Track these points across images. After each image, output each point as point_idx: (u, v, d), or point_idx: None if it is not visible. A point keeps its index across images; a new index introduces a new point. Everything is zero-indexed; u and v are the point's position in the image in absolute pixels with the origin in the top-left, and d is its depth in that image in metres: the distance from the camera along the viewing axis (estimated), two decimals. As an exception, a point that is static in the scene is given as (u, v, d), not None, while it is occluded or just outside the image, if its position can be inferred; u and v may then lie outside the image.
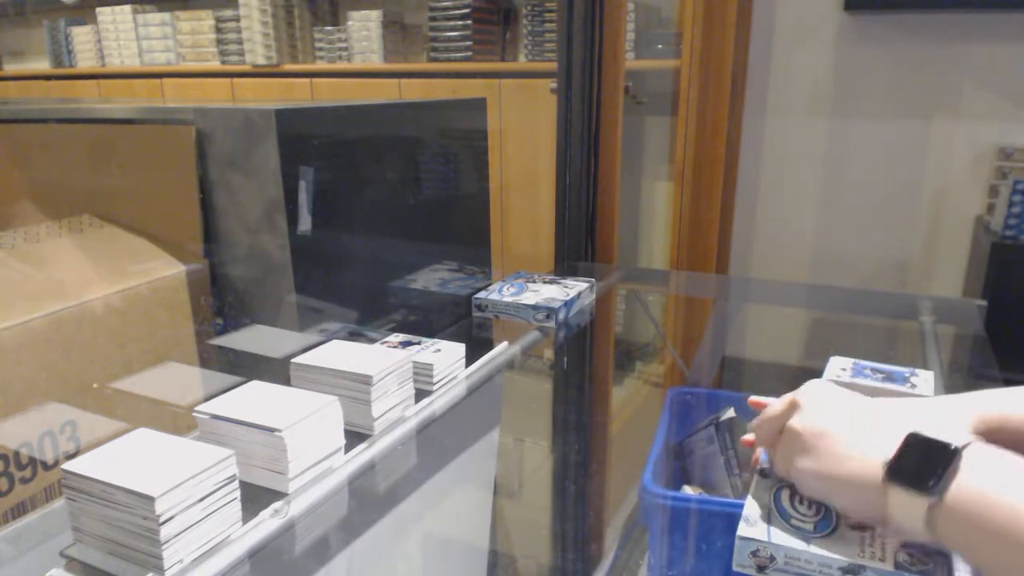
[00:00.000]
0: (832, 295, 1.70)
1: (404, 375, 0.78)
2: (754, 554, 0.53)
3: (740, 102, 2.03)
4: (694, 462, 0.99)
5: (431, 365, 0.85)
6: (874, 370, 0.84)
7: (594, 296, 1.27)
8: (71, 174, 1.05)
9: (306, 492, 0.64)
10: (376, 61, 2.85)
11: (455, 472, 0.87)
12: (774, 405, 0.62)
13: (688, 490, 0.98)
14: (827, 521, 0.54)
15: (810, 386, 0.61)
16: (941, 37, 1.89)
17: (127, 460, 0.55)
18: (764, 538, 0.53)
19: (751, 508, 0.57)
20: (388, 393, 0.75)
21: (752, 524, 0.55)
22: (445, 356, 0.87)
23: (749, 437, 0.69)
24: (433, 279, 1.20)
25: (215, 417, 0.64)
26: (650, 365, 1.73)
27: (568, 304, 1.15)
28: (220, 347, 0.97)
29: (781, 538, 0.53)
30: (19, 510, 0.75)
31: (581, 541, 1.08)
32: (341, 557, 0.67)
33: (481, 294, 1.18)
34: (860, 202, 2.06)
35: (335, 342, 0.80)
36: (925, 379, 0.81)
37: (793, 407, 0.58)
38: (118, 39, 3.45)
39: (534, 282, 1.24)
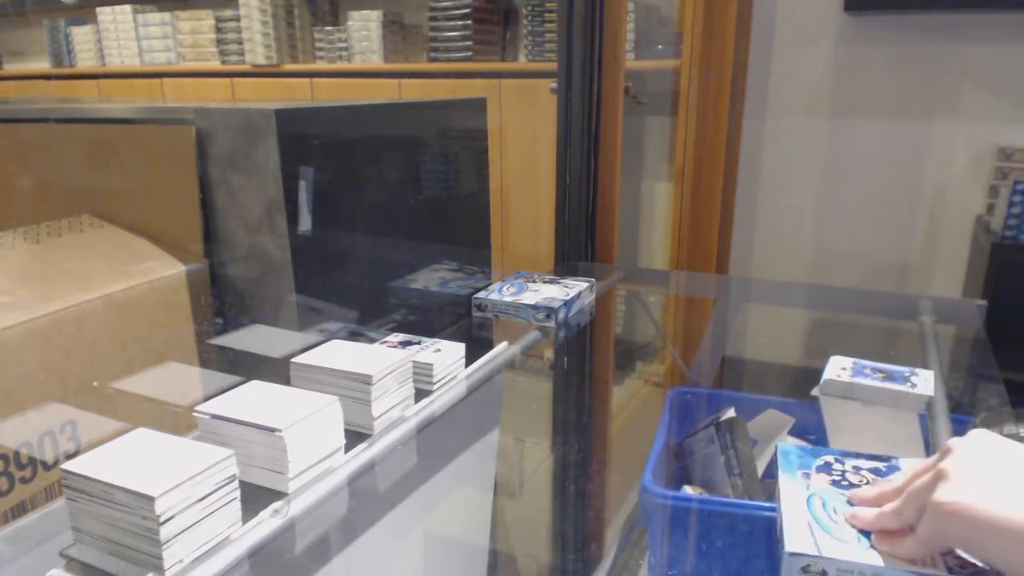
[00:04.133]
0: (832, 295, 1.70)
1: (404, 375, 0.78)
2: (805, 570, 0.51)
3: (740, 102, 2.03)
4: (694, 462, 0.99)
5: (431, 365, 0.85)
6: (874, 370, 0.84)
7: (594, 296, 1.27)
8: (71, 174, 1.05)
9: (306, 492, 0.64)
10: (376, 61, 2.85)
11: (455, 472, 0.87)
12: (912, 472, 0.52)
13: (688, 490, 0.98)
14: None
15: (961, 450, 0.49)
16: (941, 37, 1.89)
17: (127, 460, 0.55)
18: (815, 552, 0.50)
19: (790, 520, 0.54)
20: (388, 393, 0.75)
21: (798, 538, 0.52)
22: (445, 356, 0.87)
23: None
24: (433, 279, 1.20)
25: (215, 417, 0.64)
26: (650, 365, 1.73)
27: (568, 304, 1.15)
28: (220, 347, 0.97)
29: (832, 550, 0.50)
30: (19, 510, 0.75)
31: (581, 541, 1.08)
32: (341, 557, 0.67)
33: (481, 294, 1.18)
34: (860, 202, 2.06)
35: (335, 342, 0.80)
36: (925, 379, 0.81)
37: (939, 476, 0.48)
38: (118, 39, 3.45)
39: (534, 282, 1.24)
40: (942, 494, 0.46)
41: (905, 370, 0.84)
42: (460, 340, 0.91)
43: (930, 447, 0.78)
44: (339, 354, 0.76)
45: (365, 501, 0.70)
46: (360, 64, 2.88)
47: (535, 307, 1.13)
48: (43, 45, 3.81)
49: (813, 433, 1.04)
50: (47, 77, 3.79)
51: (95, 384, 0.82)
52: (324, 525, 0.64)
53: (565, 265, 1.57)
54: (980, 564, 0.48)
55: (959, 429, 0.84)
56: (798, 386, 1.00)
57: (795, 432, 1.05)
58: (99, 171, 1.02)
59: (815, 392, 0.88)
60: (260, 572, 0.57)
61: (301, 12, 3.06)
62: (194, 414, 0.65)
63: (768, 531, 0.79)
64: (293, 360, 0.75)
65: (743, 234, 2.19)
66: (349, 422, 0.72)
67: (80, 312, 0.80)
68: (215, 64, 3.24)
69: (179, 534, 0.53)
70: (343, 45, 2.93)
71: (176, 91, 3.31)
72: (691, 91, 1.86)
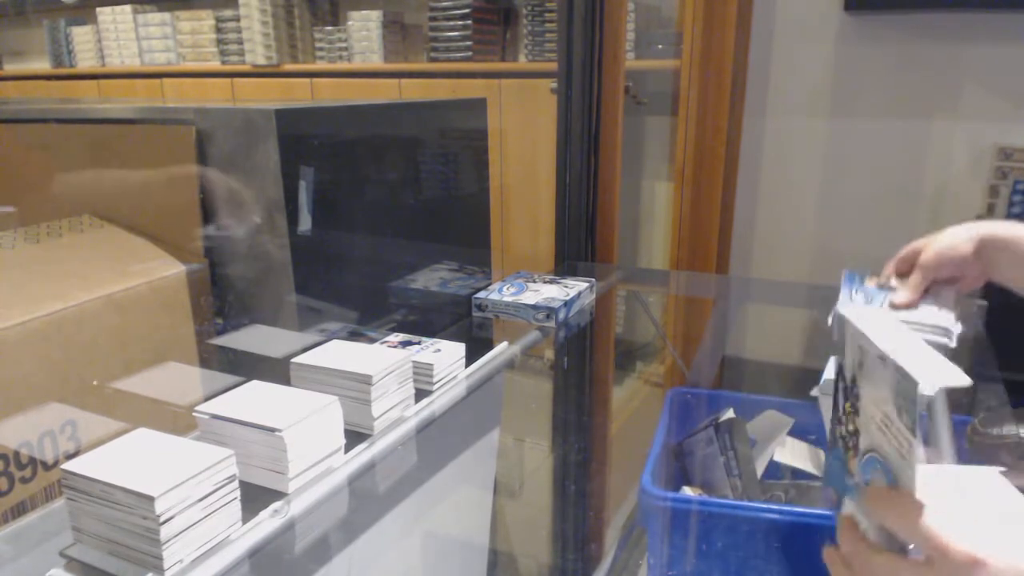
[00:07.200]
0: (832, 295, 1.69)
1: (404, 375, 0.78)
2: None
3: (740, 102, 2.03)
4: (694, 463, 0.99)
5: (431, 365, 0.85)
6: (874, 370, 0.84)
7: (594, 296, 1.27)
8: (71, 174, 1.05)
9: (306, 492, 0.64)
10: (376, 61, 2.85)
11: (455, 472, 0.87)
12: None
13: (688, 491, 0.98)
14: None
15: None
16: (941, 37, 1.89)
17: (127, 460, 0.55)
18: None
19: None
20: (388, 393, 0.75)
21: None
22: (445, 356, 0.87)
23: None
24: (433, 279, 1.20)
25: (215, 417, 0.64)
26: (650, 365, 1.73)
27: (568, 304, 1.15)
28: (220, 347, 0.97)
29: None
30: (19, 510, 0.75)
31: (581, 541, 1.08)
32: (341, 557, 0.67)
33: (481, 294, 1.18)
34: (860, 202, 2.06)
35: (335, 342, 0.80)
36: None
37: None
38: (118, 39, 3.45)
39: (534, 282, 1.24)
40: None
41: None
42: (460, 340, 0.91)
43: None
44: (339, 354, 0.76)
45: (365, 501, 0.70)
46: (360, 64, 2.88)
47: (535, 307, 1.13)
48: (43, 45, 3.81)
49: (813, 433, 1.04)
50: (47, 77, 3.79)
51: (95, 384, 0.82)
52: (324, 525, 0.64)
53: (565, 265, 1.57)
54: None
55: (959, 429, 0.84)
56: (798, 386, 1.00)
57: (795, 432, 1.05)
58: (99, 171, 1.02)
59: (815, 392, 0.88)
60: (260, 572, 0.57)
61: (301, 12, 3.06)
62: (194, 414, 0.65)
63: (767, 532, 0.79)
64: (293, 360, 0.75)
65: (743, 234, 2.19)
66: (349, 422, 0.72)
67: (80, 312, 0.80)
68: (215, 64, 3.24)
69: (179, 534, 0.53)
70: (343, 45, 2.93)
71: (176, 91, 3.31)
72: (691, 91, 1.86)
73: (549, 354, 1.20)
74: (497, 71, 2.54)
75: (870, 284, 0.92)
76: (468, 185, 1.29)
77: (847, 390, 0.51)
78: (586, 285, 1.23)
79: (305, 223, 0.92)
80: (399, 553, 0.80)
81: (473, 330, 1.15)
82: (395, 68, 2.83)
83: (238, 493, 0.58)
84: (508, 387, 1.02)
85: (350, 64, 2.91)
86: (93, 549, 0.55)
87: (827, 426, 0.57)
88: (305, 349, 0.78)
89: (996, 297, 1.64)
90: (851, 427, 0.51)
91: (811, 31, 2.01)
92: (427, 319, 1.17)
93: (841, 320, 0.53)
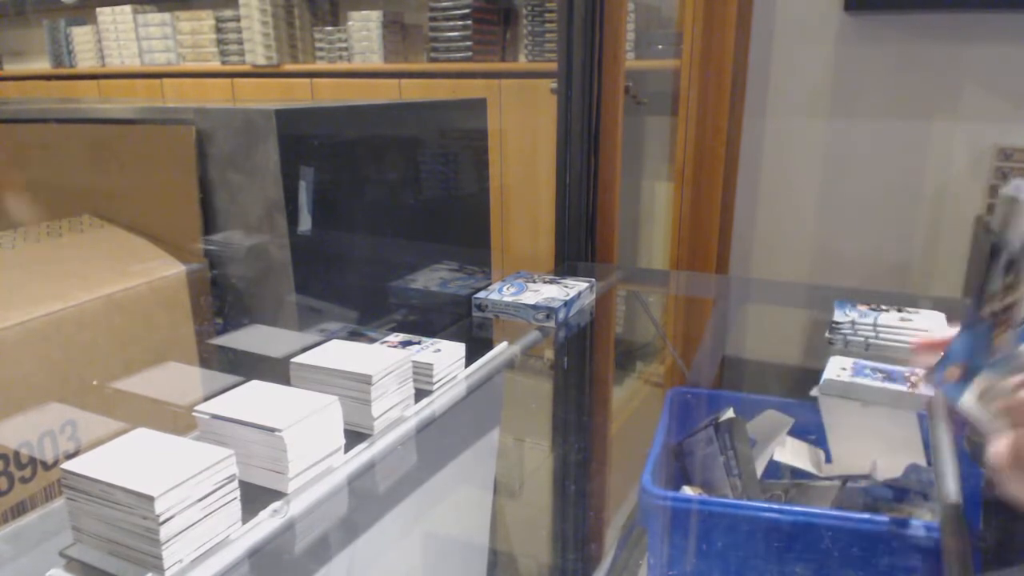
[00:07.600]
0: (832, 295, 1.70)
1: (404, 375, 0.78)
2: None
3: (740, 102, 2.03)
4: (694, 462, 0.99)
5: (431, 365, 0.85)
6: (874, 369, 0.84)
7: (594, 296, 1.27)
8: (71, 174, 1.05)
9: (306, 492, 0.64)
10: (376, 61, 2.85)
11: (455, 472, 0.87)
12: None
13: (688, 490, 0.98)
14: None
15: None
16: (941, 37, 1.89)
17: (127, 460, 0.55)
18: None
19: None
20: (388, 393, 0.75)
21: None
22: (445, 356, 0.87)
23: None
24: (433, 279, 1.20)
25: (215, 417, 0.64)
26: (650, 365, 1.73)
27: (568, 304, 1.15)
28: (220, 347, 0.97)
29: None
30: (19, 510, 0.75)
31: (581, 541, 1.08)
32: (341, 557, 0.67)
33: (481, 294, 1.18)
34: (860, 202, 2.06)
35: (335, 342, 0.80)
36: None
37: None
38: (118, 39, 3.45)
39: (534, 282, 1.24)
40: None
41: (905, 370, 0.84)
42: (460, 340, 0.91)
43: (929, 447, 0.78)
44: (339, 354, 0.76)
45: (365, 501, 0.70)
46: (360, 64, 2.88)
47: (535, 307, 1.13)
48: (43, 45, 3.81)
49: (813, 433, 1.04)
50: (47, 77, 3.79)
51: (95, 384, 0.82)
52: (324, 525, 0.64)
53: (565, 265, 1.57)
54: None
55: (959, 432, 0.84)
56: (798, 386, 1.00)
57: (795, 432, 1.05)
58: (99, 171, 1.02)
59: (815, 392, 0.88)
60: (260, 572, 0.57)
61: (301, 12, 3.06)
62: (194, 414, 0.65)
63: (767, 532, 0.79)
64: (293, 360, 0.75)
65: (743, 234, 2.19)
66: (349, 422, 0.72)
67: (80, 312, 0.80)
68: (215, 64, 3.24)
69: (179, 534, 0.53)
70: (343, 45, 2.93)
71: (176, 91, 3.31)
72: (691, 91, 1.86)
73: (549, 354, 1.20)
74: (497, 71, 2.54)
75: (862, 308, 0.99)
76: (468, 185, 1.30)
77: (1009, 265, 0.53)
78: (586, 285, 1.23)
79: (305, 223, 0.92)
80: (399, 553, 0.80)
81: (473, 330, 1.15)
82: (395, 68, 2.83)
83: (238, 493, 0.58)
84: (508, 387, 1.02)
85: (350, 64, 2.91)
86: (93, 549, 0.55)
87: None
88: (305, 349, 0.78)
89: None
90: (1008, 301, 0.52)
91: (811, 31, 2.01)
92: (427, 319, 1.17)
93: (1008, 200, 0.53)
